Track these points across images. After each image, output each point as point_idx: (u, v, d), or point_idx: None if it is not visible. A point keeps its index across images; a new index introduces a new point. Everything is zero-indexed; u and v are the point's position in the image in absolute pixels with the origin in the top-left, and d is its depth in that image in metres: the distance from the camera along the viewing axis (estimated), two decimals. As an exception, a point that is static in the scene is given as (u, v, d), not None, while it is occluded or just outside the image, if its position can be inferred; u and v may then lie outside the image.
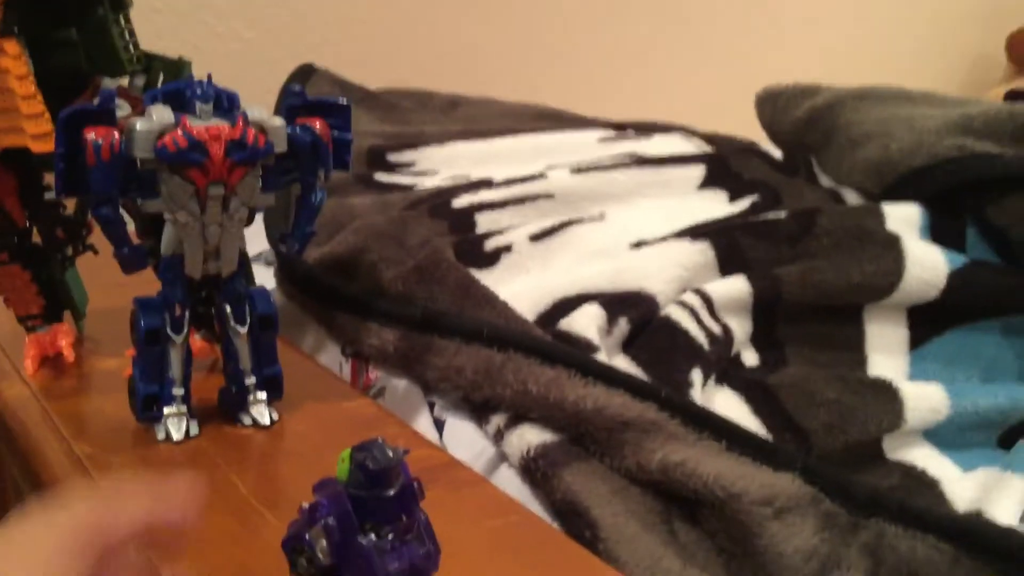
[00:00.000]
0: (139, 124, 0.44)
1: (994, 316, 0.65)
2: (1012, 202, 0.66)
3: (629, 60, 1.57)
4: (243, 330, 0.49)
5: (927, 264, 0.64)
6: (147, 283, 0.49)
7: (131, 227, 0.47)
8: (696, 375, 0.56)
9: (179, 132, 0.44)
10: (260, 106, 0.47)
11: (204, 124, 0.44)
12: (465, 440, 0.54)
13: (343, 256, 0.64)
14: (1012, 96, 1.85)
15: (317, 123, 0.48)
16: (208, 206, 0.46)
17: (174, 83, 0.47)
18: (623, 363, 0.57)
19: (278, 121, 0.46)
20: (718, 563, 0.48)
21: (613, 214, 0.71)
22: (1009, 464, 0.54)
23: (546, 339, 0.55)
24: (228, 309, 0.49)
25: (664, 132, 0.90)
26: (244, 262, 0.50)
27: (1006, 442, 0.59)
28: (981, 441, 0.59)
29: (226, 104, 0.46)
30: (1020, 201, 0.66)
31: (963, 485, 0.55)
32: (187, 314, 0.48)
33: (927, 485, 0.56)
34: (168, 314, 0.48)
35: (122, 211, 0.47)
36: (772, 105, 0.88)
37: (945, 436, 0.59)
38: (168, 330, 0.48)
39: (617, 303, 0.60)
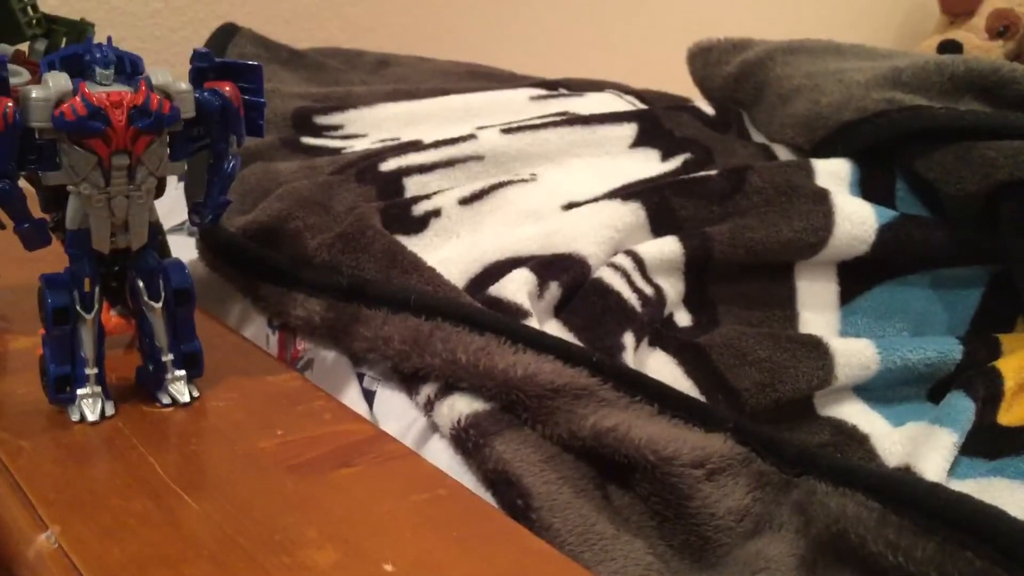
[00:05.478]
0: (34, 92, 0.42)
1: (923, 270, 0.66)
2: (940, 155, 0.66)
3: (563, 15, 1.55)
4: (157, 306, 0.47)
5: (856, 219, 0.64)
6: (62, 257, 0.47)
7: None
8: (628, 338, 0.56)
9: (77, 99, 0.42)
10: (165, 70, 0.44)
11: (104, 90, 0.42)
12: (396, 411, 0.53)
13: (267, 224, 0.62)
14: (945, 47, 1.87)
15: (227, 86, 0.46)
16: (113, 177, 0.44)
17: (71, 47, 0.44)
18: (555, 328, 0.56)
19: (184, 85, 0.44)
20: (651, 526, 0.47)
21: (544, 175, 0.70)
22: (937, 418, 0.55)
23: (475, 306, 0.54)
24: (141, 284, 0.47)
25: (596, 89, 0.89)
26: (156, 234, 0.48)
27: (935, 396, 0.60)
28: (911, 395, 0.60)
29: (129, 69, 0.44)
30: (948, 154, 0.66)
31: (893, 440, 0.56)
32: (97, 290, 0.46)
33: (858, 441, 0.56)
34: (77, 291, 0.46)
35: (25, 183, 0.45)
36: (703, 60, 0.87)
37: (875, 391, 0.60)
38: (77, 308, 0.46)
39: (548, 267, 0.59)
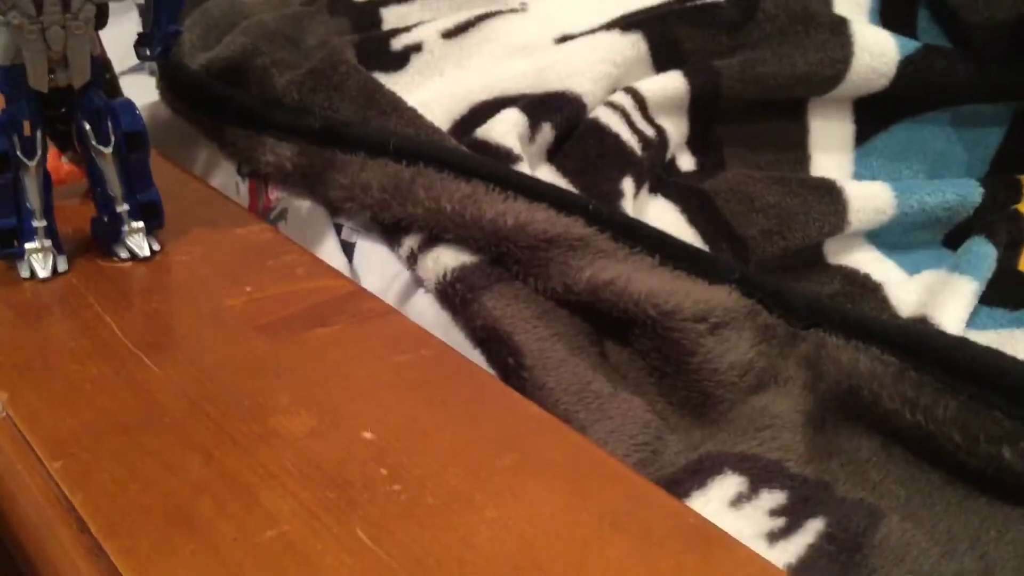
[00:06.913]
0: (-57, -98, 0.36)
1: (944, 106, 0.61)
2: (968, -21, 0.61)
3: None
4: (107, 151, 0.43)
5: (876, 50, 0.59)
6: (-1, 99, 0.42)
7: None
8: (627, 184, 0.52)
9: (-6, -90, 0.36)
10: None
11: (26, -100, 0.37)
12: (377, 264, 0.50)
13: (231, 60, 0.57)
14: None
15: None
16: (45, 4, 0.38)
17: None
18: (548, 173, 0.53)
19: None
20: (650, 383, 0.45)
21: (536, 4, 0.65)
22: (955, 265, 0.52)
23: (460, 150, 0.49)
24: (87, 127, 0.43)
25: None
26: (102, 70, 0.43)
27: (952, 242, 0.56)
28: (927, 241, 0.57)
29: None
30: (977, -22, 0.61)
31: (908, 289, 0.53)
32: (39, 134, 0.42)
33: (870, 290, 0.53)
34: (17, 135, 0.41)
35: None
36: None
37: (890, 237, 0.56)
38: (19, 154, 0.42)
39: (540, 106, 0.54)
